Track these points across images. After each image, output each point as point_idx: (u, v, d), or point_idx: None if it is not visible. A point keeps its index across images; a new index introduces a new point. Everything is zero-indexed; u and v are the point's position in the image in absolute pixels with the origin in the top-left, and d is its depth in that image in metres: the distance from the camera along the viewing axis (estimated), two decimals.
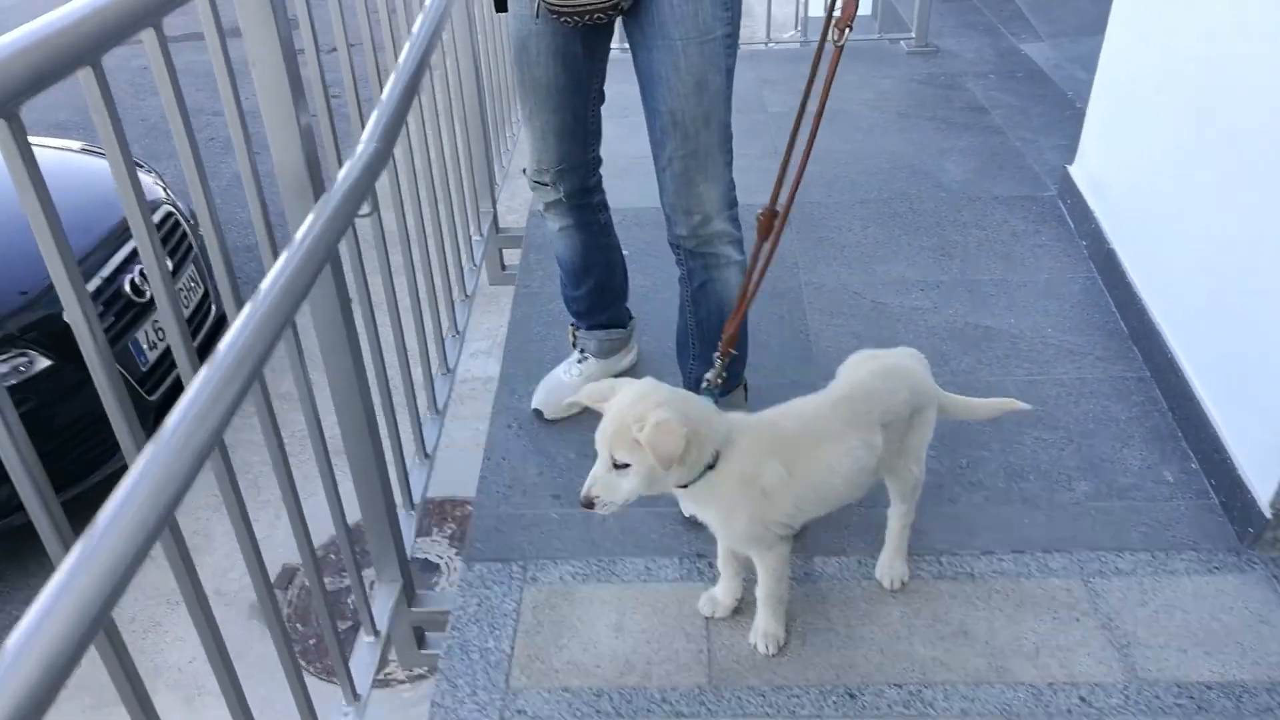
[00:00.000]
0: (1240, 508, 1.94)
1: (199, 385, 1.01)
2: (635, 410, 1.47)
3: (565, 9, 1.74)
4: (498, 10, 1.97)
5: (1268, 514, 1.86)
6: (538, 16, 1.83)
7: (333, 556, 3.29)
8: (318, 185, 1.48)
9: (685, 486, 1.59)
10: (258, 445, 1.51)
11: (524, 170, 2.17)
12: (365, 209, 1.50)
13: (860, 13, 5.48)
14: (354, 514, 1.86)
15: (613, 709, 1.70)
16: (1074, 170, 2.93)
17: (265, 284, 1.18)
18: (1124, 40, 2.64)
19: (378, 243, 1.96)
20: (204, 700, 2.67)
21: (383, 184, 2.08)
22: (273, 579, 3.14)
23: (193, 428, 0.97)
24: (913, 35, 4.36)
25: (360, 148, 1.47)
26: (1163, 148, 2.39)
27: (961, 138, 3.50)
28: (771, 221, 1.72)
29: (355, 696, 1.72)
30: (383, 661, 2.56)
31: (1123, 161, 2.64)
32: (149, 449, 0.91)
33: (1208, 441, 2.07)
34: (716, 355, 1.78)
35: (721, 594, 1.85)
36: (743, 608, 1.85)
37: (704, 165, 1.86)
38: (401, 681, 2.94)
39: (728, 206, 1.94)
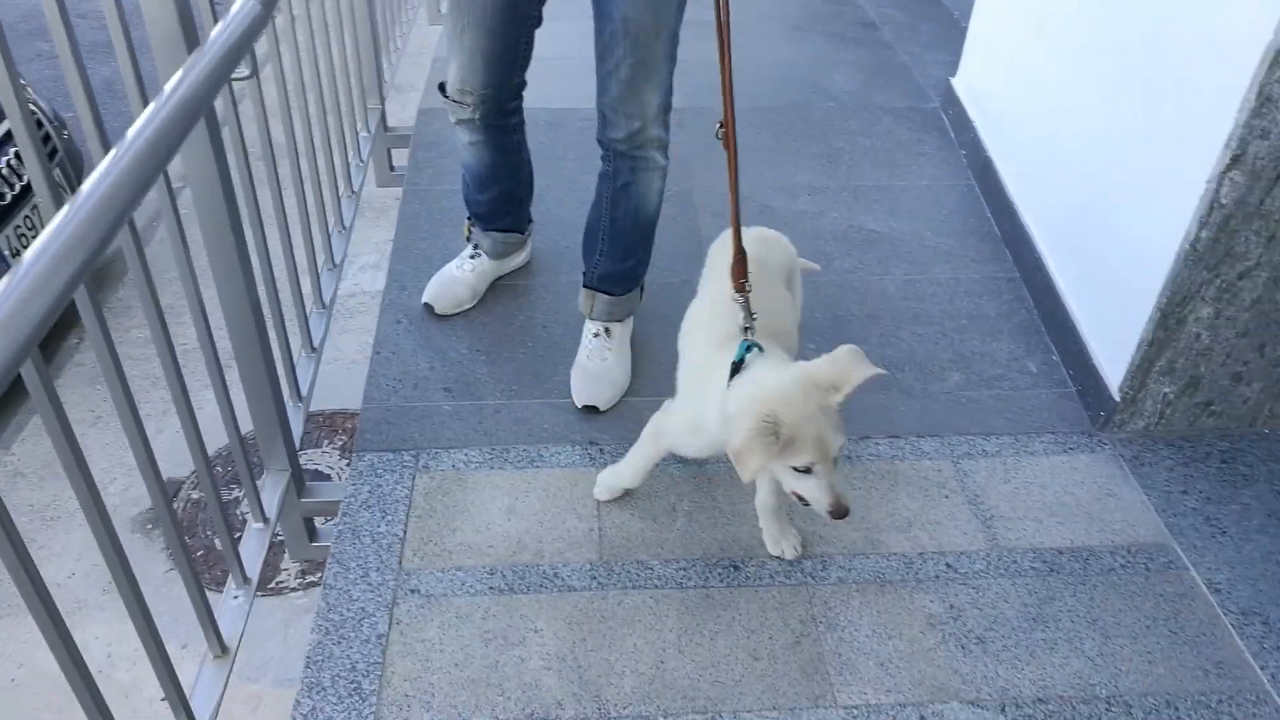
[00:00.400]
0: (1094, 394, 2.08)
1: (54, 227, 0.97)
2: (813, 389, 1.36)
3: None
4: None
5: (1116, 398, 2.00)
6: None
7: (219, 470, 3.22)
8: (191, 43, 1.42)
9: None
10: (137, 359, 1.46)
11: (441, 85, 2.09)
12: (243, 71, 1.44)
13: None
14: (245, 422, 1.83)
15: (505, 585, 1.73)
16: (956, 82, 3.03)
17: (131, 132, 1.13)
18: None
19: (259, 123, 1.90)
20: (85, 614, 2.60)
21: (266, 76, 2.00)
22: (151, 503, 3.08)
23: (51, 268, 0.94)
24: None
25: (236, 6, 1.41)
26: (1034, 62, 2.48)
27: (851, 51, 3.56)
28: (728, 135, 1.66)
29: (245, 580, 1.71)
30: (271, 564, 2.55)
31: (1000, 75, 2.74)
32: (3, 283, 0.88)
33: (1068, 335, 2.20)
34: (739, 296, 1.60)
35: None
36: (634, 488, 1.90)
37: (651, 73, 1.83)
38: (294, 589, 2.93)
39: (663, 113, 1.93)
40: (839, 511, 1.36)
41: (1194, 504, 1.90)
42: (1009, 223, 2.55)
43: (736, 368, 1.49)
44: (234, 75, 1.46)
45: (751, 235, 1.76)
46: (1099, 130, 2.13)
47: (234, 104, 1.68)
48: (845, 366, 1.36)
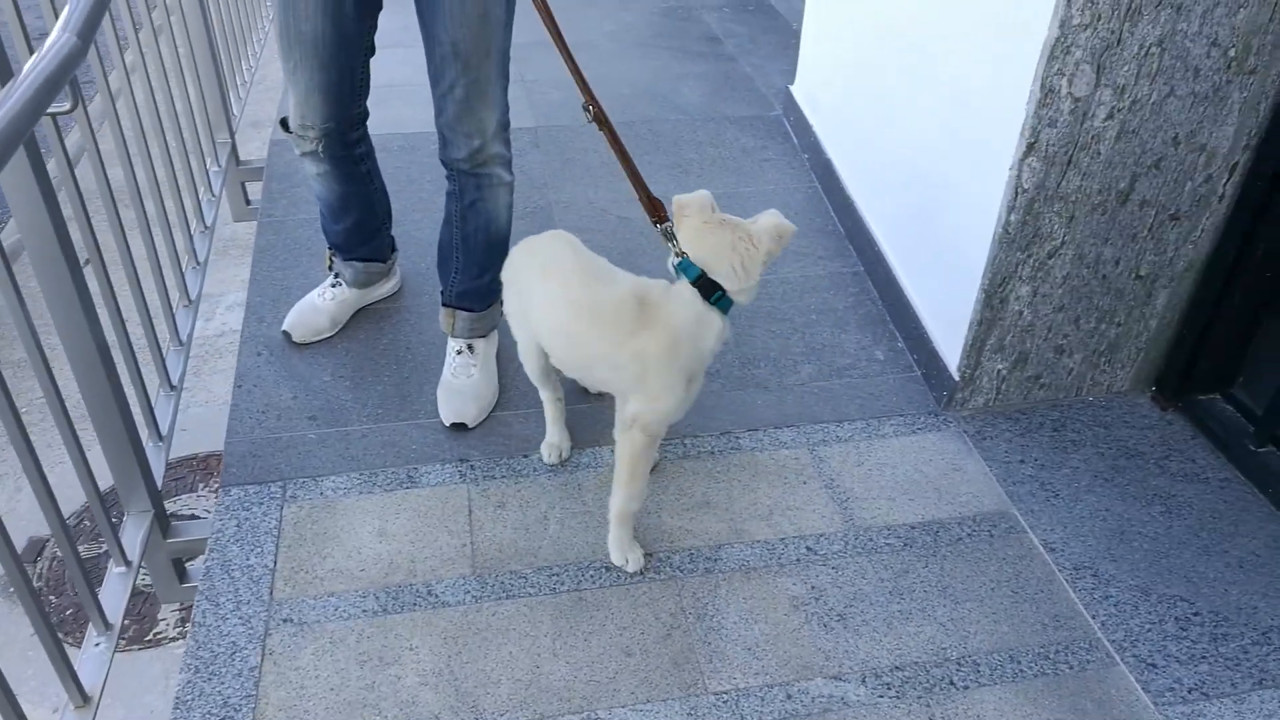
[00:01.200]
0: (936, 376, 2.21)
1: None
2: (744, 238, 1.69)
3: None
4: None
5: (956, 377, 2.14)
6: None
7: (86, 524, 3.11)
8: (4, 76, 1.40)
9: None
10: None
11: (283, 120, 2.08)
12: (64, 104, 1.43)
13: None
14: (106, 479, 1.80)
15: (379, 606, 1.74)
16: (794, 89, 3.17)
17: None
18: None
19: (98, 176, 1.87)
20: None
21: (105, 112, 1.96)
22: (21, 551, 2.95)
23: None
24: None
25: (51, 38, 1.40)
26: (859, 66, 2.63)
27: (697, 65, 3.67)
28: (597, 112, 1.79)
29: (106, 626, 1.67)
30: (148, 616, 2.48)
31: (831, 79, 2.89)
32: None
33: (910, 322, 2.33)
34: (658, 225, 1.76)
35: None
36: (506, 501, 1.94)
37: (484, 93, 1.87)
38: (173, 639, 2.85)
39: (502, 130, 1.97)
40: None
41: (1030, 471, 2.04)
42: (850, 220, 2.68)
43: (704, 281, 1.64)
44: (53, 109, 1.45)
45: (544, 236, 1.89)
46: (916, 126, 2.28)
47: (64, 150, 1.65)
48: (776, 227, 1.71)
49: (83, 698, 1.54)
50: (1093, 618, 1.75)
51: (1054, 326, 2.09)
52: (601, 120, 1.75)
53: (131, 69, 2.20)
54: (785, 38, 3.89)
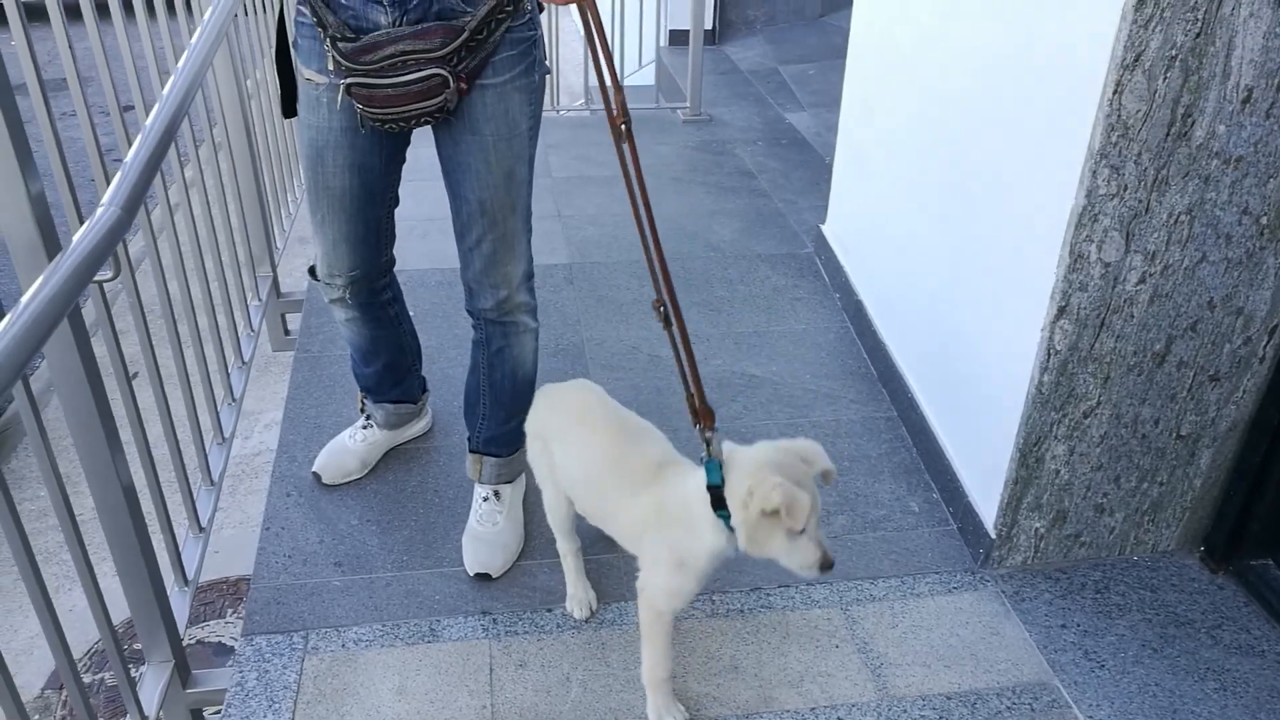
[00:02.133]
0: (973, 531, 2.16)
1: None
2: (801, 465, 1.51)
3: (390, 117, 1.72)
4: (285, 115, 1.92)
5: (993, 534, 2.09)
6: (363, 128, 1.80)
7: (104, 659, 3.08)
8: (52, 252, 1.45)
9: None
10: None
11: (311, 269, 2.13)
12: (107, 273, 1.47)
13: (643, 83, 5.74)
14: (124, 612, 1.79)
15: None
16: (826, 229, 3.20)
17: None
18: (855, 110, 2.93)
19: (133, 309, 1.91)
20: None
21: (147, 251, 2.03)
22: (44, 682, 2.92)
23: None
24: (688, 105, 4.63)
25: (99, 212, 1.45)
26: (890, 211, 2.66)
27: (730, 200, 3.74)
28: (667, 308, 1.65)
29: None
30: None
31: (862, 219, 2.92)
32: None
33: (945, 473, 2.29)
34: (706, 431, 1.60)
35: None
36: (528, 659, 1.89)
37: (510, 247, 1.92)
38: None
39: (527, 279, 2.00)
40: (827, 563, 1.50)
41: (1073, 638, 1.97)
42: (883, 363, 2.67)
43: (717, 491, 1.55)
44: (98, 278, 1.49)
45: (571, 385, 1.93)
46: (947, 279, 2.28)
47: (105, 303, 1.70)
48: (812, 449, 1.53)
49: None
50: None
51: (1093, 485, 2.04)
52: (673, 320, 1.64)
53: (175, 206, 2.27)
54: (818, 172, 3.95)
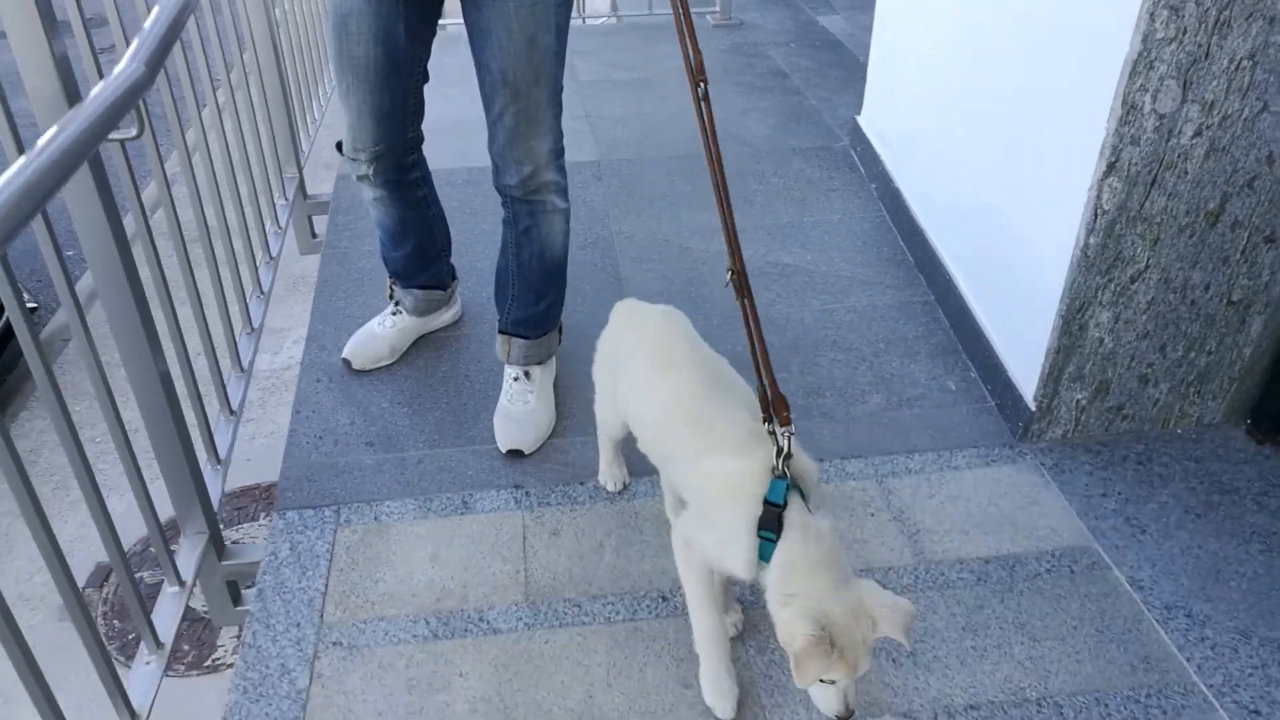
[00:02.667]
0: (1012, 406, 2.11)
1: None
2: (863, 619, 1.30)
3: None
4: None
5: (1032, 408, 2.04)
6: None
7: (152, 550, 3.13)
8: (73, 100, 1.43)
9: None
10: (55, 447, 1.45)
11: (338, 143, 2.09)
12: (131, 131, 1.44)
13: None
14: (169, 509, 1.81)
15: (429, 632, 1.70)
16: (861, 120, 3.12)
17: (3, 179, 1.13)
18: (892, 4, 2.83)
19: (162, 194, 1.89)
20: (11, 707, 2.50)
21: (175, 143, 2.01)
22: (88, 577, 2.98)
23: None
24: (718, 9, 4.51)
25: (120, 67, 1.42)
26: (926, 93, 2.57)
27: (763, 99, 3.65)
28: (739, 280, 1.52)
29: (158, 645, 1.65)
30: (208, 642, 2.48)
31: (898, 109, 2.83)
32: None
33: (984, 352, 2.24)
34: (782, 430, 1.42)
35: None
36: (561, 528, 1.88)
37: (535, 120, 1.86)
38: (230, 665, 2.84)
39: (555, 158, 1.95)
40: (844, 716, 1.35)
41: (1114, 506, 1.93)
42: (920, 248, 2.61)
43: (773, 512, 1.36)
44: (119, 135, 1.47)
45: (655, 312, 1.72)
46: (988, 149, 2.21)
47: (128, 163, 1.68)
48: (892, 616, 1.30)
49: (131, 715, 1.52)
50: (1187, 660, 1.62)
51: (1138, 354, 1.98)
52: (742, 290, 1.50)
53: (203, 103, 2.25)
54: (851, 71, 3.85)
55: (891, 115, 2.90)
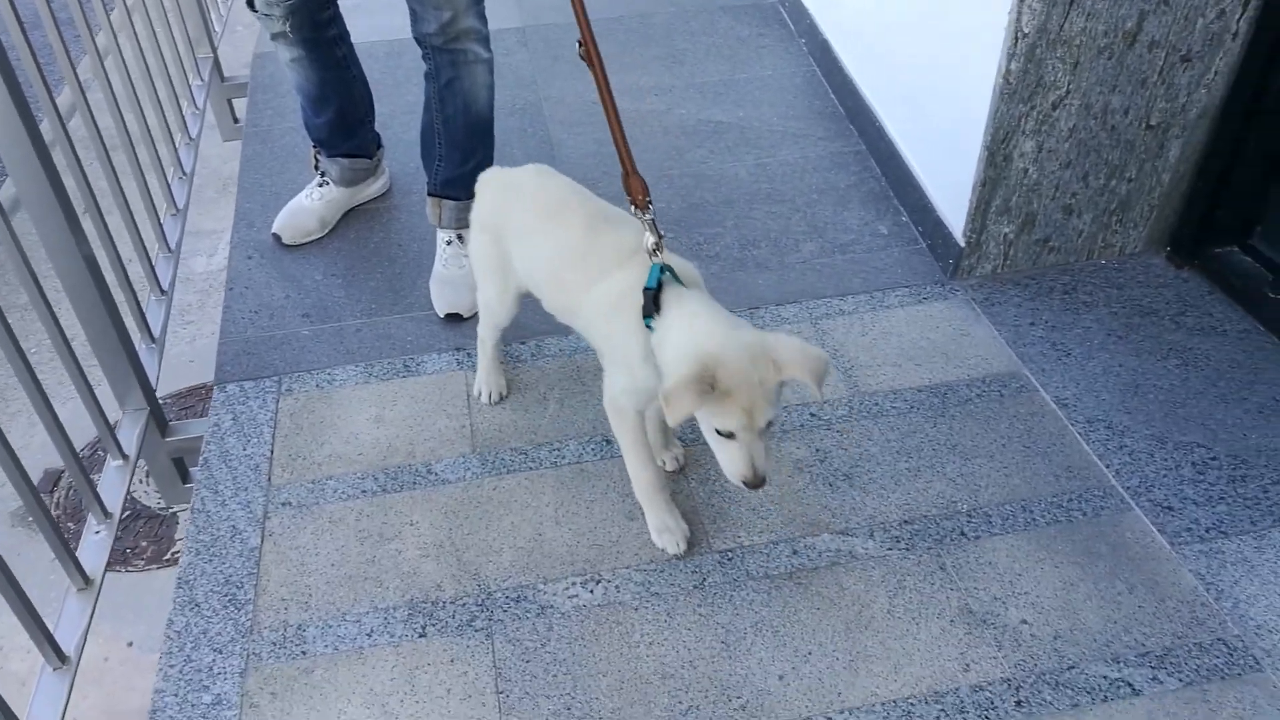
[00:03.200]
0: (942, 245, 2.15)
1: None
2: (761, 361, 1.26)
3: None
4: None
5: (961, 244, 2.08)
6: None
7: (100, 453, 3.11)
8: None
9: None
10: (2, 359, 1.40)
11: (248, 0, 2.02)
12: None
13: None
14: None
15: (378, 486, 1.72)
16: None
17: None
18: None
19: (67, 75, 1.81)
20: None
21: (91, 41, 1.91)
22: (37, 482, 2.96)
23: None
24: None
25: None
26: None
27: None
28: (591, 55, 1.61)
29: (106, 515, 1.66)
30: (165, 536, 2.48)
31: None
32: None
33: (914, 196, 2.27)
34: (642, 214, 1.46)
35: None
36: (513, 392, 1.90)
37: None
38: None
39: (475, 3, 1.89)
40: (752, 482, 1.31)
41: (1041, 333, 1.99)
42: (851, 99, 2.60)
43: (650, 294, 1.37)
44: None
45: (528, 171, 1.68)
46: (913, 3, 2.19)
47: (38, 67, 1.60)
48: (800, 359, 1.27)
49: (84, 580, 1.53)
50: (1107, 467, 1.70)
51: (1061, 184, 2.02)
52: (593, 61, 1.57)
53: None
54: None
55: None
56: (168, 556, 2.87)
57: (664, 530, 1.58)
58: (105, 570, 1.57)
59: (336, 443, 1.81)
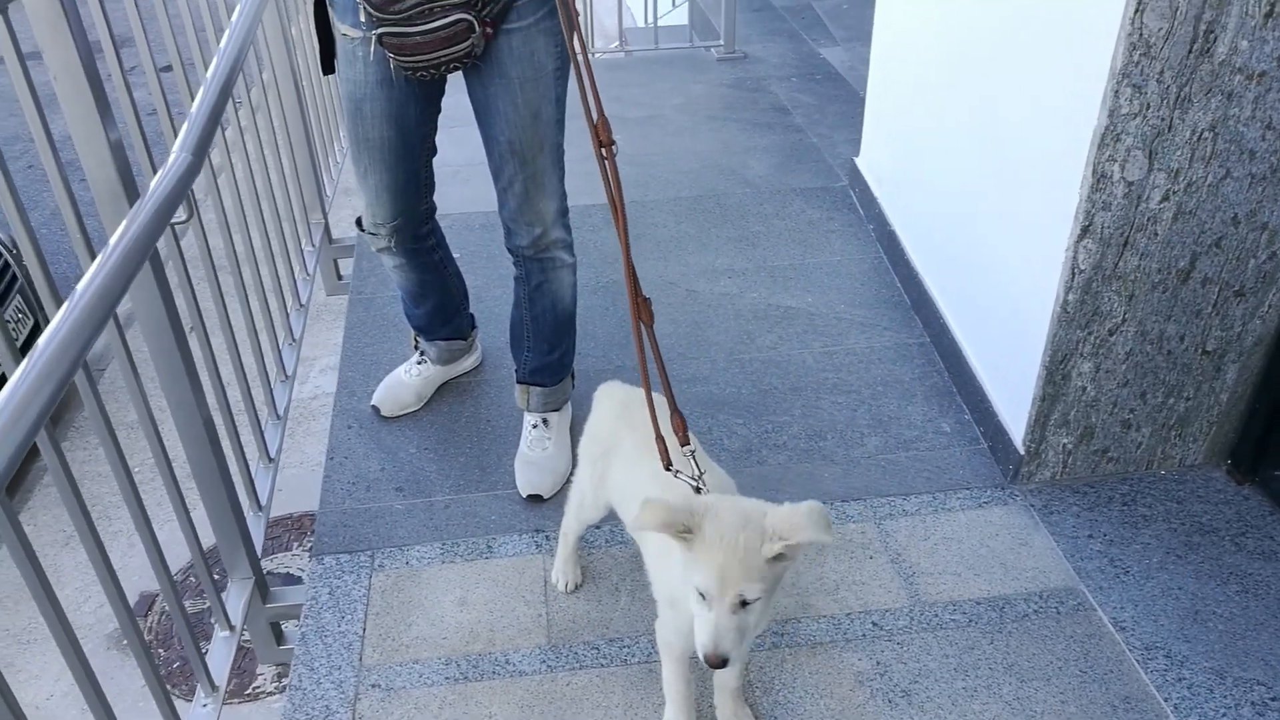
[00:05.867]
0: (1002, 449, 2.24)
1: (16, 380, 1.10)
2: (752, 527, 1.24)
3: (420, 65, 1.80)
4: (325, 72, 2.01)
5: (1021, 451, 2.16)
6: (396, 78, 1.88)
7: (192, 580, 3.28)
8: (132, 197, 1.56)
9: None
10: (106, 476, 1.57)
11: (358, 220, 2.24)
12: (182, 215, 1.58)
13: (676, 22, 5.75)
14: (209, 538, 1.93)
15: (460, 674, 1.83)
16: (859, 161, 3.24)
17: (80, 285, 1.27)
18: (887, 42, 2.96)
19: (203, 255, 2.03)
20: None
21: (212, 205, 2.16)
22: (133, 607, 3.13)
23: (12, 419, 1.06)
24: (722, 43, 4.65)
25: (171, 158, 1.56)
26: (920, 140, 2.70)
27: (765, 136, 3.78)
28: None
29: (213, 687, 1.79)
30: (248, 670, 2.61)
31: (895, 150, 2.96)
32: None
33: (976, 395, 2.37)
34: (689, 451, 1.50)
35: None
36: (587, 579, 2.02)
37: (541, 185, 2.01)
38: (270, 693, 2.99)
39: (561, 216, 2.10)
40: (710, 658, 1.26)
41: (1099, 547, 2.05)
42: (916, 291, 2.73)
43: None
44: (174, 220, 1.61)
45: (618, 393, 1.77)
46: (975, 203, 2.33)
47: (177, 242, 1.82)
48: (799, 520, 1.23)
49: None
50: (1165, 700, 1.74)
51: (1119, 401, 2.10)
52: (639, 320, 1.65)
53: (231, 146, 2.38)
54: (852, 106, 3.97)
55: (887, 157, 3.03)
56: (249, 691, 3.00)
57: None
58: None
59: (423, 624, 1.94)
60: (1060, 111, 1.89)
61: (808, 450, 2.31)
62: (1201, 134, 1.78)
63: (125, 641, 3.00)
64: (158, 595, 3.20)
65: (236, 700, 2.94)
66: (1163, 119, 1.75)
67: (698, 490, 1.42)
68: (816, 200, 3.28)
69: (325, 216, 3.25)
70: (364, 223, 2.19)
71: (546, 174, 2.00)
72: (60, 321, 1.21)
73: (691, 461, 1.47)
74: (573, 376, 2.38)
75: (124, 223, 1.48)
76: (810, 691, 1.77)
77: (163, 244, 1.78)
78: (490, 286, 2.90)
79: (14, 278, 3.43)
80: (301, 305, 2.84)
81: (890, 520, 2.14)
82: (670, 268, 2.97)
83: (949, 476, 2.24)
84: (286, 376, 2.57)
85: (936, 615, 1.92)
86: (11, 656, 2.84)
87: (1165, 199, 1.84)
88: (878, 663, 1.83)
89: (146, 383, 1.60)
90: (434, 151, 2.13)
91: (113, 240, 1.44)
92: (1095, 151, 1.78)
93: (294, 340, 2.70)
